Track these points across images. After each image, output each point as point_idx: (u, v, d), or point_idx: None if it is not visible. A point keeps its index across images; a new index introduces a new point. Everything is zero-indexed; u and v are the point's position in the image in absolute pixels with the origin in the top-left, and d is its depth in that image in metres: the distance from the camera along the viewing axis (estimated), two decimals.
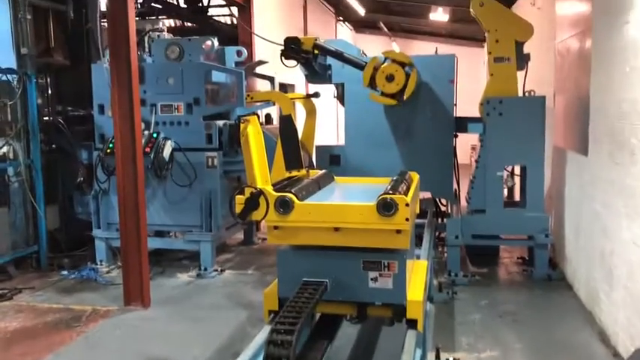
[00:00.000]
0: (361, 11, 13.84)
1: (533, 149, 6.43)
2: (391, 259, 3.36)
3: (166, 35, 7.46)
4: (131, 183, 5.69)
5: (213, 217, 6.84)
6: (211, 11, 12.29)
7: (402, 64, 6.47)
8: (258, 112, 8.47)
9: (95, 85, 7.05)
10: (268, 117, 7.71)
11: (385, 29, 16.91)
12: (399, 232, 3.24)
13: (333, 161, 7.65)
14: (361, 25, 18.51)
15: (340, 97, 7.85)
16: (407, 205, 3.20)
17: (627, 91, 4.33)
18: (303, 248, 3.48)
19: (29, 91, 6.83)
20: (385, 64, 6.47)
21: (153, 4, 11.83)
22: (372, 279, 3.44)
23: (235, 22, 12.36)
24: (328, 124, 14.03)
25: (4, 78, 6.71)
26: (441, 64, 7.15)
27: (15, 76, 6.77)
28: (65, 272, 6.82)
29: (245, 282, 6.62)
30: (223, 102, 7.35)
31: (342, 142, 7.92)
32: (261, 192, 3.46)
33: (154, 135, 6.61)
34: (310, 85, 8.27)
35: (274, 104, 8.15)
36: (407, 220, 3.20)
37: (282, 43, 6.55)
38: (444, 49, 14.58)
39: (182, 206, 6.93)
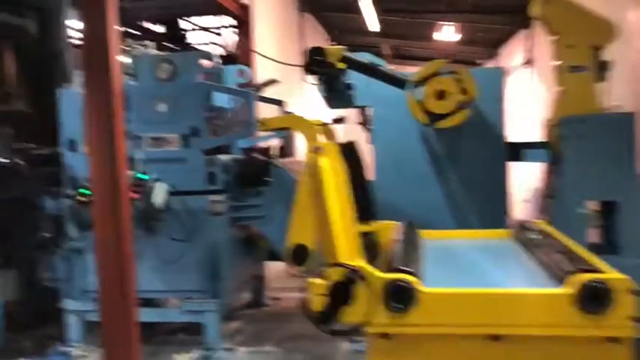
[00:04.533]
0: (376, 27, 12.13)
1: (626, 180, 5.12)
2: None
3: (153, 51, 6.03)
4: (113, 240, 4.18)
5: (219, 279, 5.31)
6: (194, 39, 11.00)
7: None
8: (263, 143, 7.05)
9: (64, 115, 5.55)
10: (284, 150, 6.27)
11: (387, 52, 15.64)
12: (614, 340, 1.83)
13: None
14: (353, 51, 17.27)
15: (365, 123, 6.51)
16: (633, 292, 1.81)
17: None
18: None
19: None
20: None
21: (128, 30, 10.50)
22: None
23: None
24: None
25: None
26: (488, 79, 5.87)
27: None
28: None
29: None
30: (225, 132, 5.90)
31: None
32: (356, 272, 2.00)
33: (142, 176, 5.10)
34: (327, 109, 6.86)
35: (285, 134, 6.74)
36: (633, 319, 1.80)
37: (307, 54, 5.18)
38: None
39: (178, 266, 5.40)
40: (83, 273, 5.48)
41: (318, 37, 13.71)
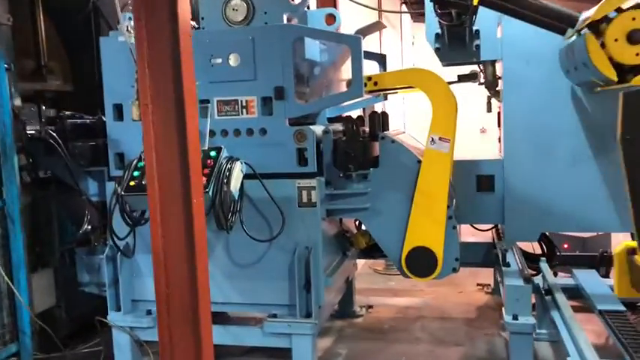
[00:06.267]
0: None
1: None
2: None
3: None
4: (181, 238, 2.87)
5: (313, 292, 3.95)
6: None
7: None
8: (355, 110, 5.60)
9: (107, 72, 4.25)
10: (385, 116, 4.81)
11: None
12: None
13: (483, 186, 4.86)
14: (421, 14, 15.55)
15: (491, 84, 5.04)
16: None
17: None
18: None
19: None
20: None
21: None
22: None
23: None
24: None
25: None
26: None
27: None
28: None
29: None
30: (315, 95, 4.50)
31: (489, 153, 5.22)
32: None
33: (212, 154, 3.75)
34: (440, 66, 5.34)
35: (383, 98, 5.31)
36: None
37: None
38: None
39: (257, 272, 4.08)
40: (133, 278, 4.24)
41: None
